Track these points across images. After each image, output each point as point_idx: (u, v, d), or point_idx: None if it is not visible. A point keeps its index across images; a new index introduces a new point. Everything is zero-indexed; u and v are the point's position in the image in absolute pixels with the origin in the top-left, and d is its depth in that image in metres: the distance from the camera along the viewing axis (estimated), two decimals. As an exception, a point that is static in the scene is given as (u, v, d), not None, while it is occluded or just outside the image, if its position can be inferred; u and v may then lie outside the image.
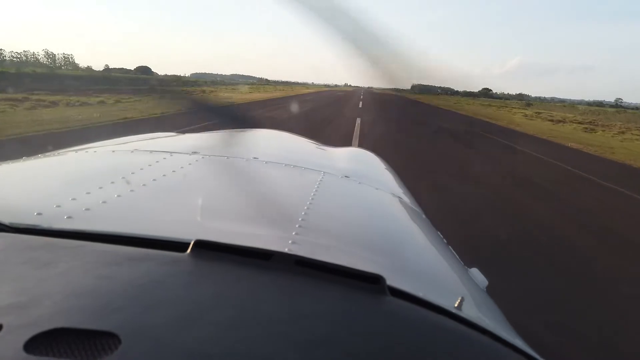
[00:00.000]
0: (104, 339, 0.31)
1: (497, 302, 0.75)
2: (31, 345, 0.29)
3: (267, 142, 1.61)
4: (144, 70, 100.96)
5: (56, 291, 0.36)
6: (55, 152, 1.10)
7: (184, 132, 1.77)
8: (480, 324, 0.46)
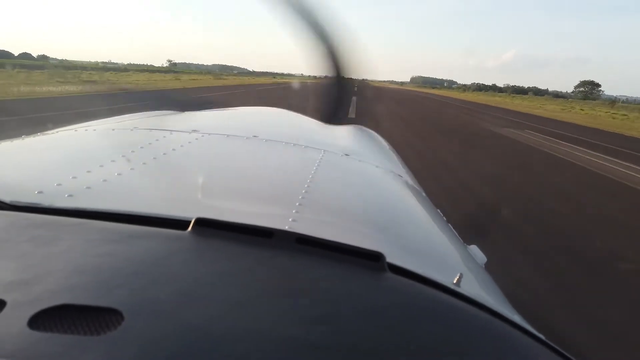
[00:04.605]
0: (106, 315, 0.32)
1: (494, 276, 0.77)
2: (35, 321, 0.30)
3: (267, 120, 1.63)
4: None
5: (59, 268, 0.38)
6: (55, 131, 1.12)
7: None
8: (479, 300, 0.48)
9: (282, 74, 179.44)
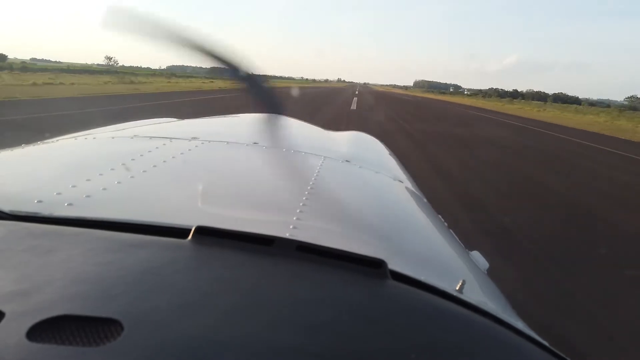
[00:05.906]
0: (106, 325, 0.32)
1: (497, 282, 0.76)
2: (34, 332, 0.30)
3: (268, 126, 1.64)
4: None
5: (58, 278, 0.38)
6: (55, 139, 1.13)
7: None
8: (482, 306, 0.48)
9: (282, 77, 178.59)
